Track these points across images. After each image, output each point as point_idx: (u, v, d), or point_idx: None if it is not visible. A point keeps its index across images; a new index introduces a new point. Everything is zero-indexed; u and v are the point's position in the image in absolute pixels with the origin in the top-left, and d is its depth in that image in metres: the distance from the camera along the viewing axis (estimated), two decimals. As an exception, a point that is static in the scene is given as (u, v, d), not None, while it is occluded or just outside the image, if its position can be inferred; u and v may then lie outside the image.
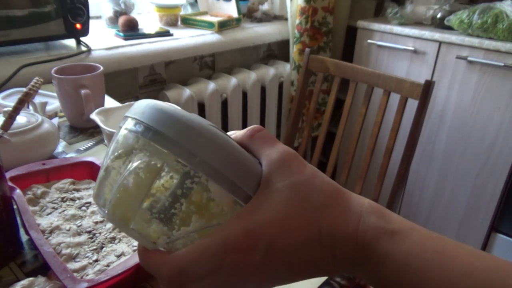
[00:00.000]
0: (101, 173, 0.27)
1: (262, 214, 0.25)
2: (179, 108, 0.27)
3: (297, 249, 0.25)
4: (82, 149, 0.74)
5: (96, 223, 0.49)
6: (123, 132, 0.27)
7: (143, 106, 0.26)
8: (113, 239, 0.47)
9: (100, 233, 0.47)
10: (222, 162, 0.25)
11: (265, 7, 1.78)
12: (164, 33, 1.40)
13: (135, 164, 0.25)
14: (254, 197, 0.26)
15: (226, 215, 0.25)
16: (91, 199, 0.53)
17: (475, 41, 1.44)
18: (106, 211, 0.26)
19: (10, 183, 0.48)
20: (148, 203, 0.25)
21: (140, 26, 1.40)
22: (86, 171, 0.58)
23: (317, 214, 0.25)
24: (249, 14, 1.79)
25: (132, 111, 0.27)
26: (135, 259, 0.40)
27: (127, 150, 0.26)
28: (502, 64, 1.39)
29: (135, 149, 0.25)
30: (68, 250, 0.44)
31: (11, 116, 0.61)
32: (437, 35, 1.53)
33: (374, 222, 0.25)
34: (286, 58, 1.87)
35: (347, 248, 0.25)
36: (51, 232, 0.46)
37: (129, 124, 0.26)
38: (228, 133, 0.29)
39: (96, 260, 0.43)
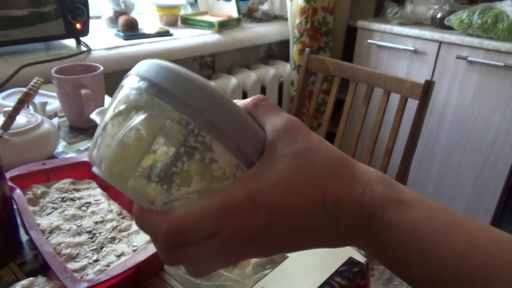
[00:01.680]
0: (98, 130, 0.26)
1: (265, 179, 0.24)
2: (183, 68, 0.26)
3: (300, 215, 0.24)
4: (82, 149, 0.74)
5: (96, 223, 0.49)
6: (125, 90, 0.26)
7: (147, 64, 0.26)
8: (113, 239, 0.47)
9: (100, 233, 0.47)
10: (228, 123, 0.24)
11: (265, 7, 1.77)
12: (164, 33, 1.40)
13: (137, 120, 0.24)
14: (258, 162, 0.25)
15: (227, 179, 0.24)
16: (91, 199, 0.53)
17: (475, 41, 1.44)
18: (102, 169, 0.25)
19: (10, 183, 0.48)
20: (148, 161, 0.24)
21: (140, 26, 1.40)
22: (86, 171, 0.58)
23: (322, 181, 0.25)
24: (249, 14, 1.79)
25: (135, 69, 0.26)
26: (135, 259, 0.40)
27: (129, 107, 0.25)
28: (502, 64, 1.39)
29: (137, 106, 0.24)
30: (68, 250, 0.44)
31: (11, 116, 0.61)
32: (437, 35, 1.53)
33: (381, 190, 0.25)
34: (286, 58, 1.87)
35: (351, 216, 0.25)
36: (51, 232, 0.46)
37: (132, 81, 0.25)
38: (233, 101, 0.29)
39: (96, 260, 0.43)
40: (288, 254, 0.50)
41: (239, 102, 0.29)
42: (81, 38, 1.20)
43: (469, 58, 1.47)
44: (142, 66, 0.26)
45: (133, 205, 0.26)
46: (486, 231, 0.23)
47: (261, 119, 0.28)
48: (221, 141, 0.24)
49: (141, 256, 0.40)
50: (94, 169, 0.26)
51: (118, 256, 0.44)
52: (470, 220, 0.24)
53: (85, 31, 1.17)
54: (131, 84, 0.25)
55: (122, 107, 0.25)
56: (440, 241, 0.23)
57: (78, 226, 0.48)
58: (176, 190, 0.24)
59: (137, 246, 0.45)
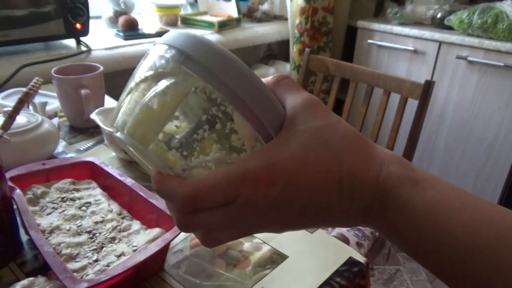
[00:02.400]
0: (122, 96, 0.27)
1: (283, 152, 0.25)
2: (211, 40, 0.26)
3: (315, 189, 0.25)
4: (82, 149, 0.74)
5: (96, 223, 0.49)
6: (152, 57, 0.26)
7: (175, 34, 0.26)
8: (113, 239, 0.47)
9: (100, 233, 0.47)
10: (250, 95, 0.25)
11: (265, 7, 1.77)
12: (164, 33, 1.40)
13: (162, 86, 0.24)
14: (277, 137, 0.26)
15: (245, 151, 0.25)
16: (91, 199, 0.53)
17: (475, 41, 1.44)
18: (125, 132, 0.25)
19: (10, 183, 0.48)
20: (171, 127, 0.24)
21: (140, 26, 1.40)
22: (86, 171, 0.58)
23: (338, 157, 0.25)
24: (249, 14, 1.79)
25: (163, 38, 0.27)
26: (135, 259, 0.40)
27: (155, 74, 0.25)
28: (502, 64, 1.39)
29: (163, 73, 0.25)
30: (68, 250, 0.44)
31: (11, 116, 0.61)
32: (437, 35, 1.53)
33: (397, 170, 0.25)
34: (286, 58, 1.87)
35: (366, 193, 0.25)
36: (51, 232, 0.46)
37: (159, 49, 0.26)
38: None
39: (96, 260, 0.43)
40: (288, 254, 0.50)
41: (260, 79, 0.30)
42: (81, 38, 1.20)
43: (469, 58, 1.47)
44: (170, 36, 0.26)
45: (152, 172, 0.27)
46: (499, 211, 0.24)
47: (281, 96, 0.28)
48: (243, 112, 0.24)
49: (141, 256, 0.40)
50: (116, 134, 0.27)
51: (118, 256, 0.44)
52: (483, 200, 0.24)
53: (85, 31, 1.17)
54: (158, 51, 0.26)
55: (148, 73, 0.26)
56: (454, 219, 0.23)
57: (78, 226, 0.48)
58: (195, 158, 0.24)
59: (137, 246, 0.45)
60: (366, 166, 0.25)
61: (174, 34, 0.27)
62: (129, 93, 0.26)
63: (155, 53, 0.26)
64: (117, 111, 0.27)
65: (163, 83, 0.25)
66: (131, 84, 0.26)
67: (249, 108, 0.25)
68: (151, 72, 0.25)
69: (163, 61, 0.25)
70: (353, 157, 0.25)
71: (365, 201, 0.25)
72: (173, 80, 0.24)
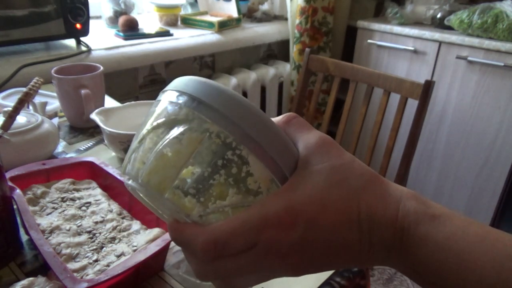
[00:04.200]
0: (134, 144, 0.26)
1: (302, 193, 0.25)
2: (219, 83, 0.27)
3: (336, 229, 0.25)
4: (82, 149, 0.74)
5: (96, 223, 0.49)
6: (163, 104, 0.26)
7: (185, 80, 0.27)
8: (113, 239, 0.47)
9: (100, 233, 0.47)
10: (264, 137, 0.25)
11: (265, 7, 1.78)
12: (164, 33, 1.40)
13: (176, 133, 0.24)
14: (292, 177, 0.26)
15: (261, 194, 0.25)
16: (91, 199, 0.53)
17: (475, 41, 1.44)
18: (140, 181, 0.25)
19: (10, 183, 0.48)
20: (187, 173, 0.24)
21: (140, 26, 1.40)
22: (86, 171, 0.58)
23: (356, 196, 0.25)
24: (249, 14, 1.79)
25: (173, 85, 0.27)
26: (135, 259, 0.40)
27: (168, 120, 0.25)
28: (502, 64, 1.39)
29: (176, 120, 0.25)
30: (68, 250, 0.44)
31: (11, 116, 0.61)
32: (437, 35, 1.53)
33: (414, 206, 0.25)
34: (286, 58, 1.87)
35: (386, 232, 0.25)
36: (51, 232, 0.46)
37: (171, 96, 0.26)
38: None
39: (96, 260, 0.43)
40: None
41: (274, 118, 0.29)
42: (81, 38, 1.20)
43: (469, 58, 1.47)
44: (180, 82, 0.27)
45: (167, 221, 0.27)
46: None
47: (293, 135, 0.28)
48: (258, 155, 0.24)
49: (141, 256, 0.40)
50: (129, 183, 0.26)
51: (118, 256, 0.44)
52: (503, 233, 0.24)
53: (85, 31, 1.17)
54: (169, 98, 0.26)
55: (160, 120, 0.26)
56: (477, 253, 0.23)
57: (78, 226, 0.48)
58: (212, 203, 0.24)
59: (137, 246, 0.45)
60: (384, 205, 0.25)
61: (184, 80, 0.27)
62: (141, 140, 0.26)
63: (166, 99, 0.26)
64: (128, 159, 0.27)
65: (176, 130, 0.25)
66: (143, 131, 0.26)
67: (263, 150, 0.25)
68: (164, 119, 0.25)
69: (175, 108, 0.25)
70: (370, 196, 0.25)
71: (386, 241, 0.25)
72: (187, 127, 0.25)
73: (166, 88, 0.27)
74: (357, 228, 0.25)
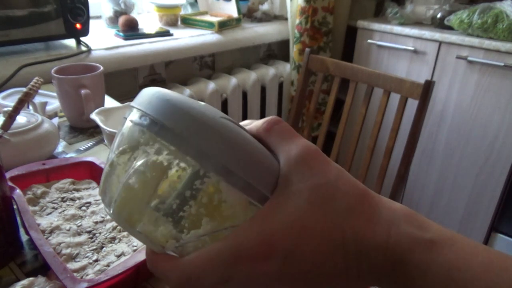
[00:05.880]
0: (106, 168, 0.25)
1: (279, 219, 0.23)
2: (187, 98, 0.24)
3: (317, 258, 0.23)
4: (82, 149, 0.74)
5: (96, 223, 0.49)
6: (128, 124, 0.24)
7: (149, 95, 0.24)
8: (113, 239, 0.47)
9: (100, 233, 0.47)
10: (235, 161, 0.22)
11: (265, 7, 1.77)
12: (164, 33, 1.40)
13: (140, 162, 0.23)
14: (271, 198, 0.24)
15: (240, 217, 0.23)
16: (91, 199, 0.53)
17: (475, 41, 1.44)
18: (111, 211, 0.24)
19: (10, 183, 0.48)
20: (155, 205, 0.23)
21: (140, 26, 1.40)
22: (86, 171, 0.58)
23: (340, 220, 0.23)
24: (249, 14, 1.79)
25: (138, 100, 0.25)
26: (135, 259, 0.40)
27: (132, 145, 0.24)
28: (502, 64, 1.39)
29: (140, 144, 0.23)
30: (68, 250, 0.44)
31: (11, 116, 0.61)
32: (437, 35, 1.53)
33: (409, 230, 0.23)
34: (286, 58, 1.87)
35: (375, 259, 0.23)
36: (51, 232, 0.46)
37: (135, 115, 0.24)
38: (244, 122, 0.27)
39: (96, 260, 0.43)
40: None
41: (252, 124, 0.27)
42: (81, 38, 1.20)
43: (469, 58, 1.47)
44: (145, 97, 0.24)
45: (146, 247, 0.26)
46: None
47: (274, 145, 0.26)
48: (229, 180, 0.22)
49: (141, 256, 0.40)
50: (105, 209, 0.26)
51: (118, 256, 0.44)
52: (509, 259, 0.22)
53: (85, 31, 1.17)
54: (133, 118, 0.24)
55: (125, 145, 0.24)
56: (481, 283, 0.21)
57: (78, 226, 0.48)
58: (186, 234, 0.23)
59: (137, 246, 0.45)
60: (372, 229, 0.23)
61: (148, 95, 0.24)
62: (110, 165, 0.25)
63: (130, 119, 0.24)
64: (102, 184, 0.25)
65: (141, 157, 0.23)
66: (112, 155, 0.25)
67: (236, 175, 0.22)
68: (128, 144, 0.24)
69: (138, 131, 0.23)
70: (357, 219, 0.23)
71: (376, 268, 0.23)
72: (150, 155, 0.23)
73: (132, 103, 0.25)
74: (342, 254, 0.23)
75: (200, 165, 0.22)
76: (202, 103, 0.25)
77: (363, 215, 0.23)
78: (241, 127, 0.25)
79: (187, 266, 0.23)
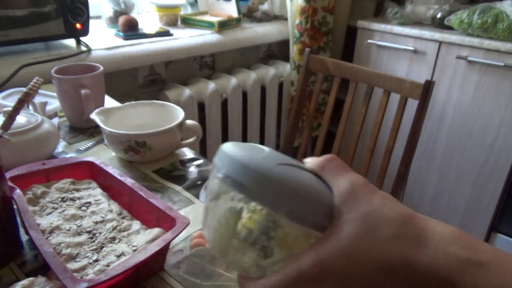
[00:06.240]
0: (204, 211, 0.32)
1: (332, 246, 0.26)
2: (253, 154, 0.30)
3: (366, 282, 0.25)
4: (82, 149, 0.74)
5: (96, 223, 0.49)
6: (211, 178, 0.31)
7: (224, 153, 0.30)
8: (113, 239, 0.47)
9: (100, 233, 0.47)
10: (296, 205, 0.27)
11: (265, 7, 1.77)
12: (164, 33, 1.40)
13: (221, 208, 0.30)
14: (328, 229, 0.27)
15: (303, 245, 0.28)
16: (91, 199, 0.53)
17: (475, 41, 1.44)
18: (209, 246, 0.31)
19: (10, 183, 0.48)
20: (237, 239, 0.29)
21: (140, 26, 1.40)
22: (86, 171, 0.58)
23: (385, 246, 0.25)
24: (249, 14, 1.79)
25: (218, 157, 0.31)
26: (135, 259, 0.40)
27: (215, 195, 0.30)
28: (502, 64, 1.39)
29: (220, 193, 0.30)
30: (68, 250, 0.44)
31: (11, 116, 0.61)
32: (437, 35, 1.53)
33: (457, 252, 0.24)
34: (286, 58, 1.87)
35: (424, 282, 0.24)
36: (51, 232, 0.46)
37: (216, 172, 0.31)
38: (306, 160, 0.32)
39: (96, 260, 0.43)
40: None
41: (313, 162, 0.31)
42: (81, 38, 1.20)
43: (469, 58, 1.47)
44: (225, 159, 0.30)
45: (237, 273, 0.32)
46: None
47: (329, 180, 0.29)
48: (291, 218, 0.27)
49: (141, 256, 0.40)
50: (207, 245, 0.32)
51: (118, 256, 0.44)
52: None
53: (85, 31, 1.17)
54: (217, 174, 0.31)
55: (211, 195, 0.31)
56: None
57: (78, 226, 0.48)
58: (263, 261, 0.29)
59: (137, 246, 0.45)
60: (419, 253, 0.24)
61: (223, 153, 0.30)
62: (205, 209, 0.32)
63: (213, 174, 0.31)
64: (203, 223, 0.32)
65: (222, 202, 0.30)
66: (207, 201, 0.32)
67: (296, 214, 0.27)
68: (212, 194, 0.31)
69: (218, 183, 0.30)
70: (403, 244, 0.25)
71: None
72: (228, 201, 0.29)
73: (215, 159, 0.31)
74: (390, 278, 0.25)
75: (267, 210, 0.28)
76: (267, 149, 0.31)
77: (410, 240, 0.25)
78: (301, 165, 0.31)
79: (264, 285, 0.28)
